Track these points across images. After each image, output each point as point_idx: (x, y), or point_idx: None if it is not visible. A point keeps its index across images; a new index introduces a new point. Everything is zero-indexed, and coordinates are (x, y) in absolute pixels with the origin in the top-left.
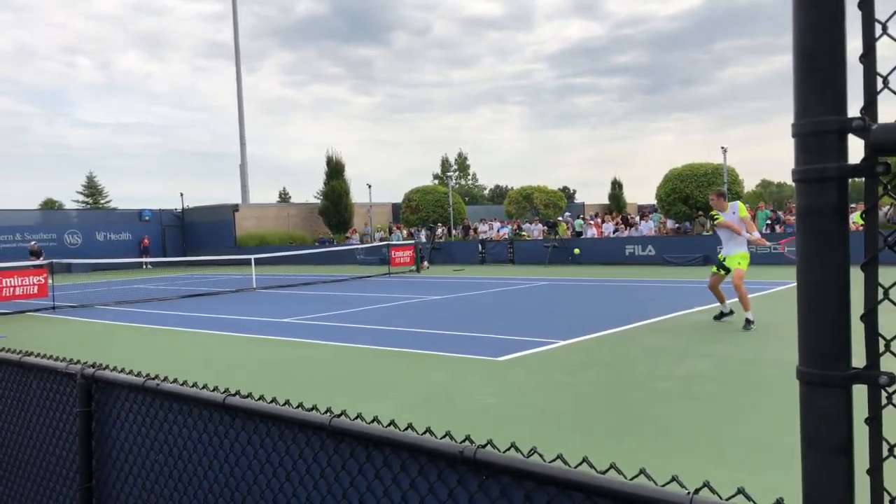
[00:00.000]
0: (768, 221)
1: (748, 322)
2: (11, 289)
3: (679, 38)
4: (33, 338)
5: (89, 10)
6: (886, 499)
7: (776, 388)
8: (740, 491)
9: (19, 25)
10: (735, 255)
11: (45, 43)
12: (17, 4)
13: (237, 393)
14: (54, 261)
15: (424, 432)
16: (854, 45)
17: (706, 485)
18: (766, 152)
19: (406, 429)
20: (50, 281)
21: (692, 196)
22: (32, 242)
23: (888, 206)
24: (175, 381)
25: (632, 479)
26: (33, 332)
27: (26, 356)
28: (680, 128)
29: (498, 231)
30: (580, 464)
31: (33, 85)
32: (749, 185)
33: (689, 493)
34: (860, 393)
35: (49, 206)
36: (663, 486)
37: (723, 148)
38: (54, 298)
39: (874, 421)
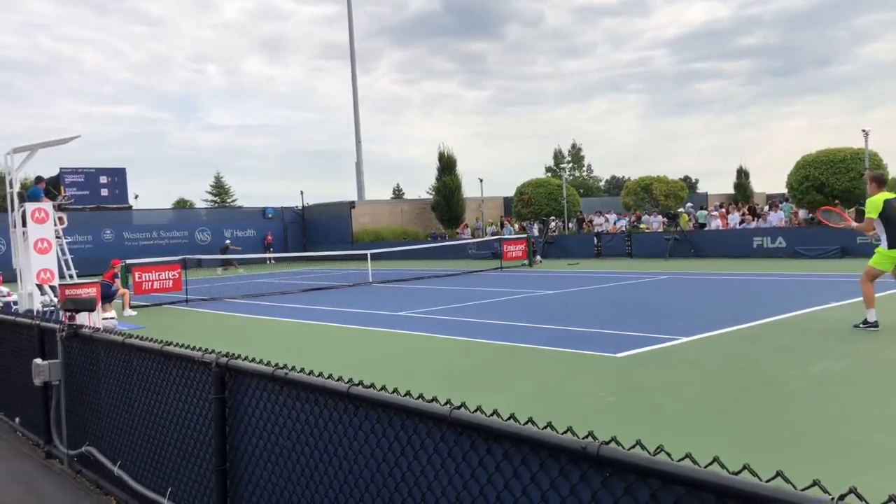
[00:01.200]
0: None
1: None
2: (150, 283)
3: (813, 14)
4: (171, 329)
5: (216, 20)
6: None
7: None
8: (892, 499)
9: (154, 38)
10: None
11: (177, 52)
12: (152, 18)
13: (360, 383)
14: (187, 256)
15: (545, 426)
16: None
17: (852, 490)
18: None
19: (527, 423)
20: (183, 275)
21: (828, 184)
22: (227, 241)
23: None
24: (302, 370)
25: (768, 482)
26: (170, 324)
27: (167, 345)
28: (814, 111)
29: (614, 223)
30: (710, 463)
31: (167, 92)
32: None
33: (832, 498)
34: None
35: (181, 205)
36: (804, 490)
37: (864, 131)
38: (187, 292)
39: None
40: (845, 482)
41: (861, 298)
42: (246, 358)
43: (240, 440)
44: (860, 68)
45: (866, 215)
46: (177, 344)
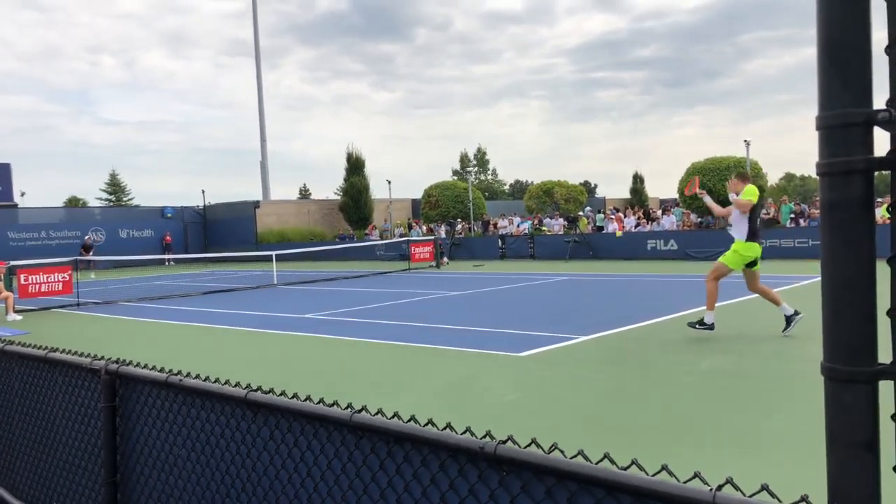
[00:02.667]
0: (792, 215)
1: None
2: (37, 285)
3: (702, 30)
4: (58, 334)
5: (113, 10)
6: None
7: (800, 383)
8: (764, 487)
9: (46, 25)
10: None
11: (71, 42)
12: (43, 4)
13: (259, 388)
14: (77, 258)
15: (445, 428)
16: (879, 35)
17: (729, 481)
18: (790, 145)
19: (426, 424)
20: (74, 278)
21: (715, 189)
22: (87, 236)
23: None
24: (198, 376)
25: (654, 475)
26: (58, 329)
27: (52, 352)
28: (703, 121)
29: (518, 226)
30: (602, 459)
31: (59, 84)
32: (773, 178)
33: (711, 489)
34: (886, 389)
35: (73, 203)
36: (686, 482)
37: (745, 141)
38: (79, 295)
39: None
40: (727, 473)
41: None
42: (138, 364)
43: (132, 450)
44: (744, 82)
45: (746, 197)
46: (64, 350)
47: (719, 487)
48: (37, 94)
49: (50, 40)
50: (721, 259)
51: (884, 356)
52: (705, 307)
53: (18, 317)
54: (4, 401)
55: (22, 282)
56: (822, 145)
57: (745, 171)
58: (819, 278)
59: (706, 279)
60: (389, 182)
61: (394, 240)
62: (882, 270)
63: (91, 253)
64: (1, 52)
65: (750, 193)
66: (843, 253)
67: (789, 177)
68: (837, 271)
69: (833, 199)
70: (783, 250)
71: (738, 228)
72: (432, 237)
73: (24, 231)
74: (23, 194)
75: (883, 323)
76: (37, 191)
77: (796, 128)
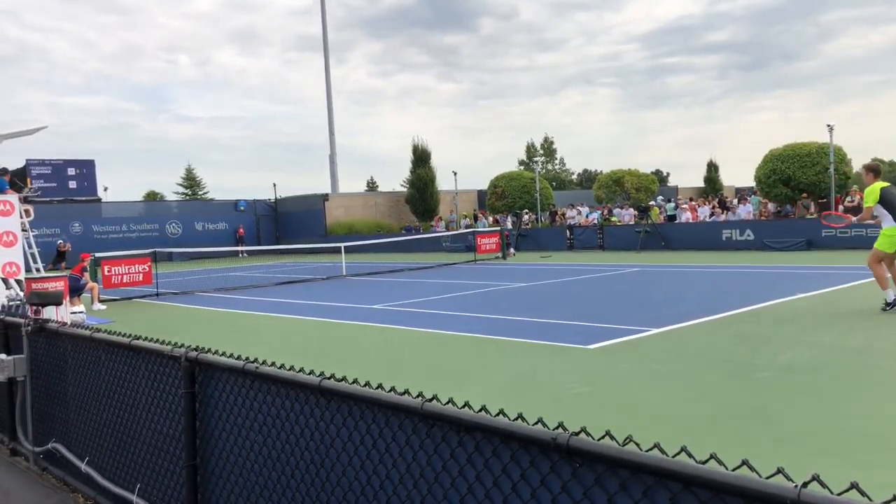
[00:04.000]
0: None
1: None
2: (119, 276)
3: (781, 10)
4: (140, 323)
5: (188, 10)
6: None
7: (888, 378)
8: (854, 485)
9: (124, 27)
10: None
11: (148, 42)
12: (123, 6)
13: (332, 377)
14: (157, 250)
15: (516, 418)
16: None
17: (815, 478)
18: (878, 129)
19: (497, 414)
20: (154, 269)
21: (794, 177)
22: (59, 241)
23: None
24: (273, 364)
25: (734, 470)
26: (140, 318)
27: (135, 339)
28: (781, 105)
29: (587, 216)
30: (678, 453)
31: (137, 83)
32: (857, 164)
33: (796, 486)
34: None
35: (151, 197)
36: (768, 478)
37: (829, 125)
38: (157, 286)
39: None
40: (809, 470)
41: (873, 279)
42: (216, 352)
43: (210, 435)
44: (825, 64)
45: (865, 205)
46: (146, 338)
47: (804, 485)
48: (117, 93)
49: (129, 41)
50: (876, 245)
51: None
52: (881, 289)
53: (103, 306)
54: (93, 385)
55: (105, 273)
56: None
57: (875, 163)
58: None
59: (869, 265)
60: (455, 173)
61: (460, 231)
62: None
63: (65, 262)
64: (84, 53)
65: (867, 199)
66: None
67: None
68: None
69: None
70: (869, 239)
71: (883, 219)
72: (498, 228)
73: (107, 224)
74: (105, 189)
75: None
76: (118, 186)
77: (884, 110)
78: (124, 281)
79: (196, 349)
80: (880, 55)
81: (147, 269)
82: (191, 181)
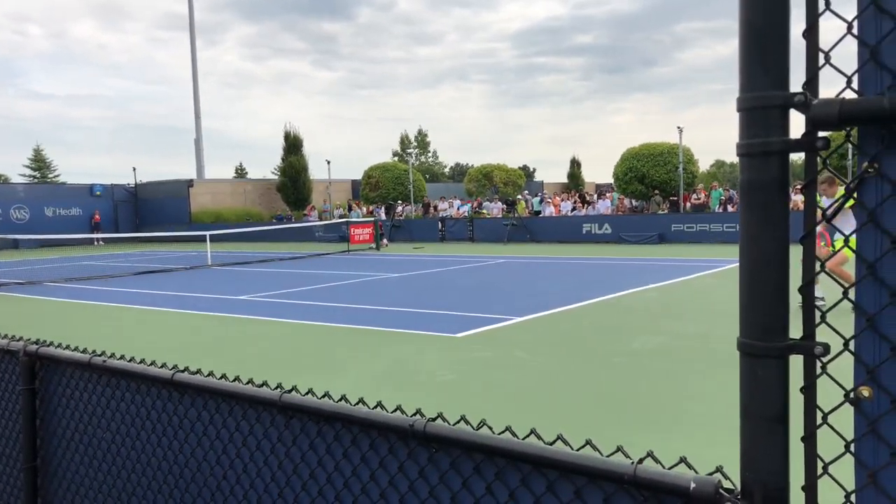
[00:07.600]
0: (721, 199)
1: None
2: None
3: (640, 18)
4: None
5: None
6: (819, 465)
7: (724, 361)
8: (682, 460)
9: None
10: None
11: None
12: None
13: (186, 369)
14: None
15: (375, 407)
16: (798, 21)
17: (650, 454)
18: (721, 133)
19: (357, 403)
20: None
21: (648, 175)
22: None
23: None
24: (122, 357)
25: (578, 450)
26: None
27: None
28: (639, 108)
29: (458, 209)
30: (528, 436)
31: None
32: (704, 164)
33: (633, 462)
34: (796, 363)
35: None
36: (608, 456)
37: (678, 128)
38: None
39: (809, 390)
40: (654, 447)
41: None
42: (60, 345)
43: (52, 434)
44: (679, 70)
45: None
46: None
47: (640, 461)
48: None
49: None
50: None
51: (794, 332)
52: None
53: None
54: None
55: None
56: (742, 127)
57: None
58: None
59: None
60: (329, 162)
61: (333, 221)
62: (793, 252)
63: None
64: None
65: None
66: (760, 231)
67: (719, 164)
68: (755, 249)
69: (751, 180)
70: (712, 234)
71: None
72: (372, 219)
73: None
74: None
75: (795, 300)
76: None
77: (726, 117)
78: None
79: (37, 342)
80: (725, 65)
81: None
82: (40, 163)
